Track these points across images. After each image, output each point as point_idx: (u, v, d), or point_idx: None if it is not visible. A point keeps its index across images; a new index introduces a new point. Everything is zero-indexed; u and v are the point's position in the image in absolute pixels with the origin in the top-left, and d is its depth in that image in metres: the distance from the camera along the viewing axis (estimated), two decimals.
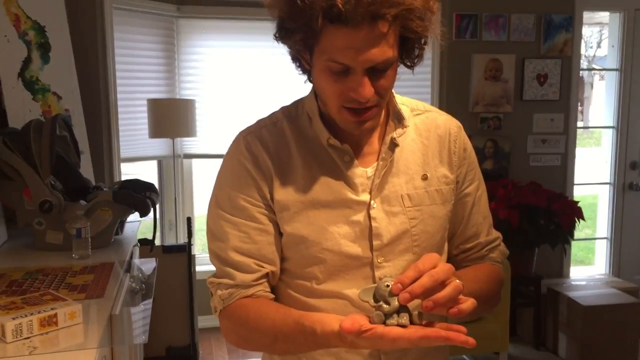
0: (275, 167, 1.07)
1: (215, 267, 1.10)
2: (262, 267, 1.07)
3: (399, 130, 1.09)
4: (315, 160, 1.07)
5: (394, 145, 1.08)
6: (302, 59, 1.03)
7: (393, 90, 1.09)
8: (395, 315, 0.86)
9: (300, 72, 1.07)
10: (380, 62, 0.94)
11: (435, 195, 1.10)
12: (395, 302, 0.85)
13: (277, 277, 1.10)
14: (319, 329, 0.94)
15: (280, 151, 1.08)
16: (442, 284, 0.87)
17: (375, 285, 0.89)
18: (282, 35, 1.00)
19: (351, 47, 0.92)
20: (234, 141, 1.11)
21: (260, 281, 1.07)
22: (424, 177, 1.10)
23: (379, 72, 0.96)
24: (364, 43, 0.92)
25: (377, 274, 1.05)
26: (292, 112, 1.13)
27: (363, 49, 0.92)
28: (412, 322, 0.86)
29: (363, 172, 1.07)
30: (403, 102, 1.14)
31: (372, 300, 0.88)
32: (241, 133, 1.11)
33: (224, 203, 1.08)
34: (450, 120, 1.17)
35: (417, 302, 0.87)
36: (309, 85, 1.11)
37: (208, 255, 1.13)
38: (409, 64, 1.04)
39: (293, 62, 1.07)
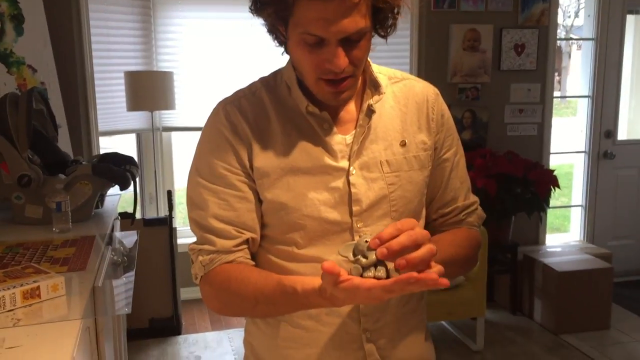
0: (255, 135, 1.08)
1: (195, 234, 1.12)
2: (242, 233, 1.08)
3: (376, 97, 1.10)
4: (295, 128, 1.09)
5: (371, 112, 1.10)
6: (278, 32, 1.04)
7: (370, 60, 1.11)
8: (372, 269, 0.88)
9: (277, 44, 1.08)
10: (353, 33, 0.96)
11: (414, 161, 1.12)
12: (372, 257, 0.88)
13: (257, 244, 1.12)
14: (300, 287, 0.96)
15: (259, 119, 1.09)
16: (418, 246, 0.88)
17: (354, 242, 0.92)
18: (257, 8, 1.01)
19: (324, 19, 0.93)
20: (213, 111, 1.12)
21: (241, 247, 1.09)
22: (403, 144, 1.12)
23: (352, 43, 0.98)
24: (336, 14, 0.93)
25: (357, 239, 1.07)
26: (270, 82, 1.14)
27: (335, 19, 0.93)
28: (388, 277, 0.88)
29: (342, 139, 1.09)
30: (380, 70, 1.16)
31: (351, 256, 0.90)
32: (220, 103, 1.12)
33: (204, 171, 1.09)
34: (427, 87, 1.19)
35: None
36: (287, 56, 1.11)
37: (189, 226, 1.14)
38: (382, 34, 1.05)
39: (269, 35, 1.08)
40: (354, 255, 0.90)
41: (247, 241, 1.10)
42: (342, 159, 1.08)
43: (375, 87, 1.12)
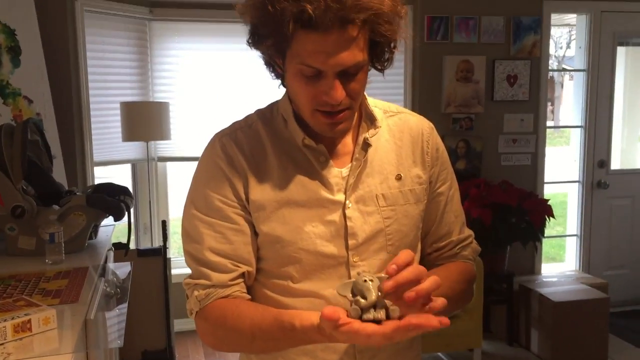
0: (251, 167, 1.08)
1: (191, 268, 1.10)
2: (239, 267, 1.07)
3: (372, 131, 1.11)
4: (291, 161, 1.09)
5: (367, 145, 1.10)
6: (275, 64, 1.05)
7: (365, 93, 1.12)
8: (372, 310, 0.87)
9: (274, 77, 1.10)
10: (350, 66, 0.97)
11: (409, 195, 1.12)
12: (372, 297, 0.86)
13: (253, 277, 1.11)
14: (298, 323, 0.95)
15: (256, 152, 1.09)
16: (419, 281, 0.89)
17: (353, 280, 0.90)
18: (255, 40, 1.02)
19: (322, 52, 0.94)
20: (209, 143, 1.12)
21: (237, 281, 1.08)
22: (398, 177, 1.12)
23: (350, 76, 0.99)
24: (334, 47, 0.94)
25: (353, 272, 1.06)
26: (266, 115, 1.14)
27: (333, 53, 0.94)
28: (388, 317, 0.87)
29: (338, 172, 1.09)
30: (375, 104, 1.17)
31: (350, 295, 0.89)
32: (216, 135, 1.13)
33: (200, 203, 1.09)
34: (422, 121, 1.20)
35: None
36: (283, 89, 1.13)
37: (184, 257, 1.13)
38: (379, 67, 1.07)
39: (266, 67, 1.09)
40: (353, 295, 0.89)
41: (243, 275, 1.09)
42: (338, 192, 1.08)
43: (371, 120, 1.13)
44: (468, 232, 1.24)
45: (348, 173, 1.09)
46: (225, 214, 1.07)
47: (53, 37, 3.24)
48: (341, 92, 0.98)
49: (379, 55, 1.04)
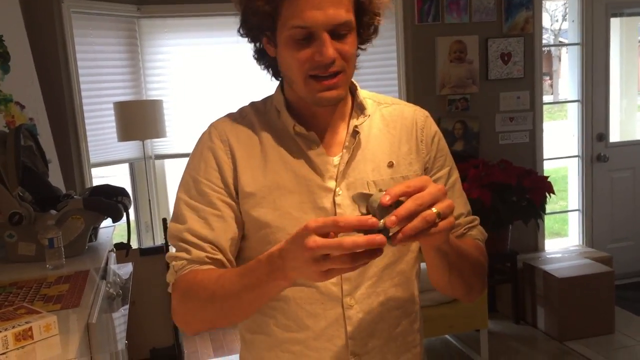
0: (242, 155, 1.10)
1: (172, 244, 1.11)
2: (216, 253, 1.07)
3: (361, 119, 1.13)
4: (283, 149, 1.11)
5: (356, 133, 1.12)
6: (267, 44, 1.07)
7: (357, 84, 1.15)
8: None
9: (264, 67, 1.13)
10: (339, 23, 1.00)
11: (401, 182, 1.12)
12: (381, 223, 0.80)
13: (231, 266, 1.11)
14: (259, 259, 0.91)
15: (248, 140, 1.11)
16: (429, 207, 0.83)
17: (372, 194, 0.85)
18: (246, 19, 1.05)
19: (311, 8, 0.97)
20: (204, 131, 1.15)
21: (215, 258, 1.06)
22: (390, 165, 1.12)
23: (340, 37, 1.01)
24: (323, 3, 0.98)
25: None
26: (260, 107, 1.17)
27: (323, 8, 0.97)
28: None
29: (329, 159, 1.10)
30: (369, 96, 1.19)
31: (363, 209, 0.86)
32: (211, 124, 1.16)
33: (188, 188, 1.11)
34: (417, 110, 1.21)
35: None
36: (274, 81, 1.16)
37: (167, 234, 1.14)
38: (366, 37, 1.09)
39: (257, 60, 1.13)
40: (367, 211, 0.85)
41: (220, 261, 1.07)
42: (329, 179, 1.09)
43: (361, 110, 1.14)
44: (473, 217, 1.23)
45: (339, 161, 1.10)
46: (210, 200, 1.08)
47: (41, 40, 3.22)
48: (333, 50, 1.00)
49: (365, 22, 1.06)
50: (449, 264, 1.01)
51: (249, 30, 1.08)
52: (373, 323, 1.11)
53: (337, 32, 1.00)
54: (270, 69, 1.14)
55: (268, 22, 1.03)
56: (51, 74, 3.27)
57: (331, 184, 1.09)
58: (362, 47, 1.11)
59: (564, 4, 14.14)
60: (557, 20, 16.60)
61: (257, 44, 1.11)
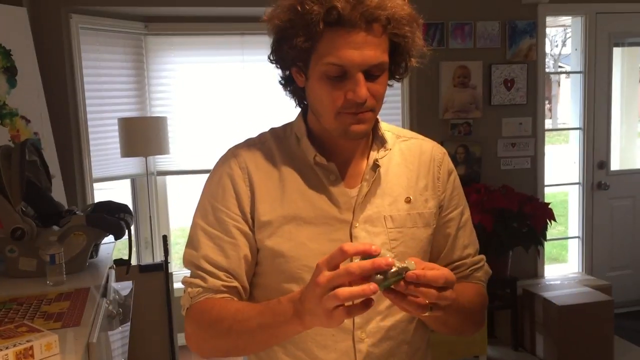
0: (260, 182, 1.10)
1: (188, 269, 1.12)
2: (232, 281, 1.08)
3: (381, 152, 1.13)
4: (301, 178, 1.10)
5: (376, 166, 1.12)
6: (296, 74, 1.07)
7: (379, 117, 1.15)
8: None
9: (290, 94, 1.13)
10: (375, 65, 1.00)
11: (417, 218, 1.13)
12: (387, 275, 0.85)
13: (245, 295, 1.11)
14: (284, 298, 0.95)
15: (267, 168, 1.11)
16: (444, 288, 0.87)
17: (375, 257, 0.87)
18: (278, 47, 1.05)
19: (349, 48, 0.97)
20: (223, 155, 1.16)
21: (231, 286, 1.08)
22: (408, 200, 1.13)
23: (373, 77, 1.02)
24: (361, 44, 0.98)
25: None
26: (280, 134, 1.17)
27: (360, 49, 0.98)
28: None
29: (347, 191, 1.10)
30: (389, 129, 1.19)
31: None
32: (230, 149, 1.16)
33: (205, 214, 1.11)
34: (435, 146, 1.21)
35: None
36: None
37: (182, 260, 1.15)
38: (397, 76, 1.11)
39: (283, 86, 1.13)
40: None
41: (235, 288, 1.08)
42: (347, 211, 1.09)
43: (382, 143, 1.14)
44: (480, 257, 1.24)
45: (357, 193, 1.10)
46: (226, 228, 1.08)
47: (49, 55, 3.24)
48: (366, 91, 1.00)
49: (398, 61, 1.07)
50: (444, 323, 1.06)
51: (281, 59, 1.08)
52: (383, 357, 1.11)
53: (370, 73, 1.01)
54: (295, 97, 1.14)
55: (303, 56, 1.03)
56: (57, 88, 3.28)
57: (348, 216, 1.09)
58: (390, 83, 1.11)
59: (565, 29, 14.27)
60: (556, 46, 16.73)
61: (286, 72, 1.11)
